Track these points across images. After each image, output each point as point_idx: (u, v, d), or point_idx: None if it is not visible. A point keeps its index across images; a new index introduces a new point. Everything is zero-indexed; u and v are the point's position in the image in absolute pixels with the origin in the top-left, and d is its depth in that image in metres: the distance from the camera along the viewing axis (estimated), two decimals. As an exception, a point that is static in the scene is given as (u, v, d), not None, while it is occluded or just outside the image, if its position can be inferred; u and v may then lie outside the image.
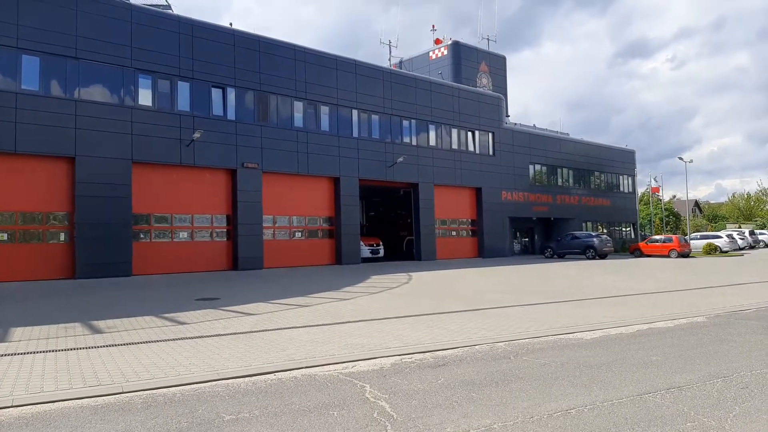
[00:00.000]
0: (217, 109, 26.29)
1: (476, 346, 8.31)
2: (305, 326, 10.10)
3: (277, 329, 9.80)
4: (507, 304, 13.07)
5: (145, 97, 24.09)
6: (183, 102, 25.16)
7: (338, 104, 30.69)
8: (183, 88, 25.13)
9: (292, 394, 5.90)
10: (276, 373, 6.76)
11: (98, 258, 21.96)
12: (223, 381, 6.42)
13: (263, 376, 6.63)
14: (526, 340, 8.79)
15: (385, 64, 42.31)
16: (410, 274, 22.97)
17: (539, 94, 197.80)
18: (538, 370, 6.81)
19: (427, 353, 7.86)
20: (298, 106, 29.18)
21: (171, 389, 6.11)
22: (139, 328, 9.99)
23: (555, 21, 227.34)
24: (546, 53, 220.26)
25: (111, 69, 23.07)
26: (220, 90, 26.40)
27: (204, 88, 25.76)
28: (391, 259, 34.53)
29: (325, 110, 30.28)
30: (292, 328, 9.95)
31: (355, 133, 31.56)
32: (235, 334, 9.36)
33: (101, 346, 8.37)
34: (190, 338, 9.00)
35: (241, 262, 26.18)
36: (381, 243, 34.88)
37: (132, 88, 23.69)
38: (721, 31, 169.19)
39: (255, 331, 9.57)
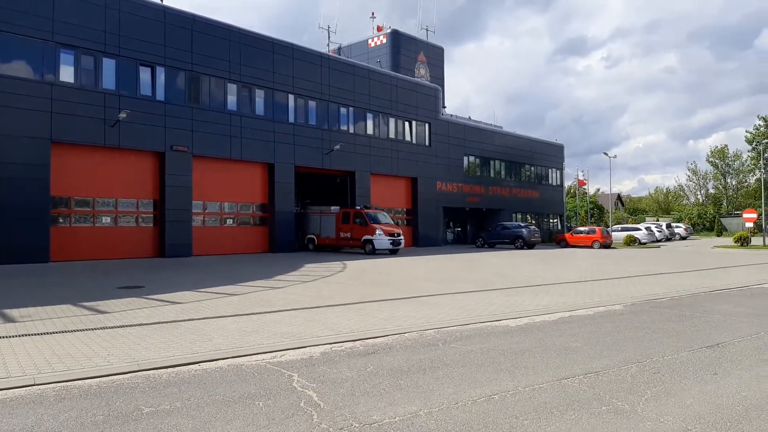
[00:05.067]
0: (145, 89, 25.20)
1: (406, 334, 8.39)
2: (234, 315, 9.88)
3: (204, 318, 9.54)
4: (438, 293, 13.27)
5: (67, 74, 22.77)
6: (108, 80, 23.96)
7: (274, 88, 30.08)
8: (108, 65, 23.92)
9: (217, 384, 5.75)
10: (200, 364, 6.56)
11: (13, 243, 20.67)
12: (144, 372, 6.18)
13: (186, 367, 6.42)
14: (455, 327, 8.96)
15: (325, 50, 41.83)
16: (345, 262, 22.94)
17: (480, 87, 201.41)
18: (464, 357, 6.95)
19: (357, 341, 7.86)
20: (232, 88, 28.41)
21: (87, 381, 5.83)
22: (55, 317, 9.48)
23: (499, 16, 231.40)
24: (489, 47, 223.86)
25: (30, 42, 21.64)
26: (149, 69, 25.30)
27: (131, 66, 24.61)
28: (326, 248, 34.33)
29: (260, 94, 29.62)
30: (220, 317, 9.71)
31: (291, 119, 31.09)
32: (158, 323, 9.04)
33: (13, 336, 7.89)
34: (110, 328, 8.61)
35: (169, 249, 25.34)
36: (402, 232, 30.71)
37: (53, 63, 22.33)
38: (654, 33, 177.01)
39: (180, 321, 9.28)
